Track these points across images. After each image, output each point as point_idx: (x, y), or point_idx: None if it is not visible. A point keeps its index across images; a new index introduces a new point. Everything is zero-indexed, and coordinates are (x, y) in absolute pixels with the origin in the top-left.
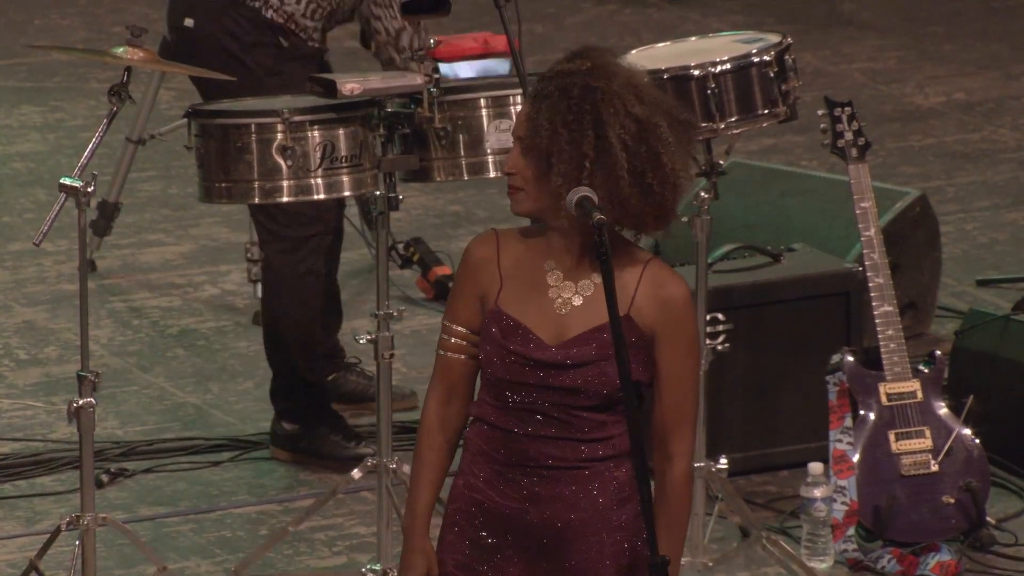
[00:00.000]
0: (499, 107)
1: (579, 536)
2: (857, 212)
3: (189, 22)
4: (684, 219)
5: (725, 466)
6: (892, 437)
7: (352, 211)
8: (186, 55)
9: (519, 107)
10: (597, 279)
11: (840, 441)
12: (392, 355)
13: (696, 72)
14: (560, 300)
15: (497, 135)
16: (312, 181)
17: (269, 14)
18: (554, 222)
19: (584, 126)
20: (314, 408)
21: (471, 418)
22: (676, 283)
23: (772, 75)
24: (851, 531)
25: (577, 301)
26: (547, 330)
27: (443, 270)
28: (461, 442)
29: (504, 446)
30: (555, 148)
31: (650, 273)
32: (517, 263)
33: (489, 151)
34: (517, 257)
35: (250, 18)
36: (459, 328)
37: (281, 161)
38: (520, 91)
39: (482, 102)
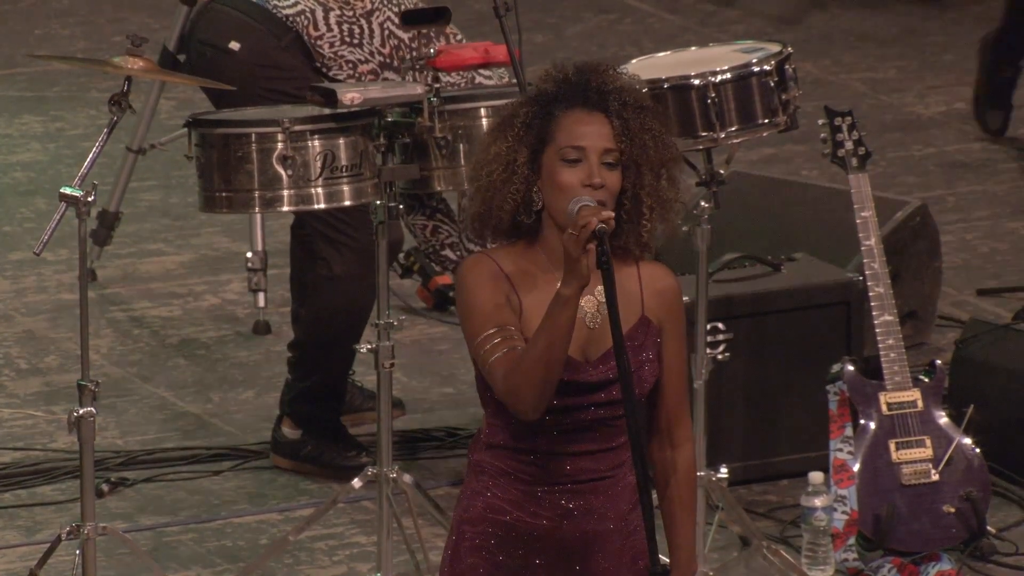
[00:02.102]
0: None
1: (605, 545)
2: (857, 222)
3: (235, 45)
4: (685, 229)
5: (725, 475)
6: (892, 446)
7: None
8: (216, 74)
9: None
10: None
11: (840, 450)
12: (392, 364)
13: (696, 81)
14: (589, 314)
15: None
16: (312, 191)
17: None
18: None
19: (670, 134)
20: (328, 416)
21: (486, 443)
22: (668, 274)
23: (772, 85)
24: (852, 540)
25: (603, 310)
26: (580, 348)
27: (444, 280)
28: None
29: (536, 467)
30: (669, 157)
31: (645, 271)
32: (525, 283)
33: None
34: (520, 275)
35: (307, 71)
36: (507, 326)
37: (281, 171)
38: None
39: (482, 111)
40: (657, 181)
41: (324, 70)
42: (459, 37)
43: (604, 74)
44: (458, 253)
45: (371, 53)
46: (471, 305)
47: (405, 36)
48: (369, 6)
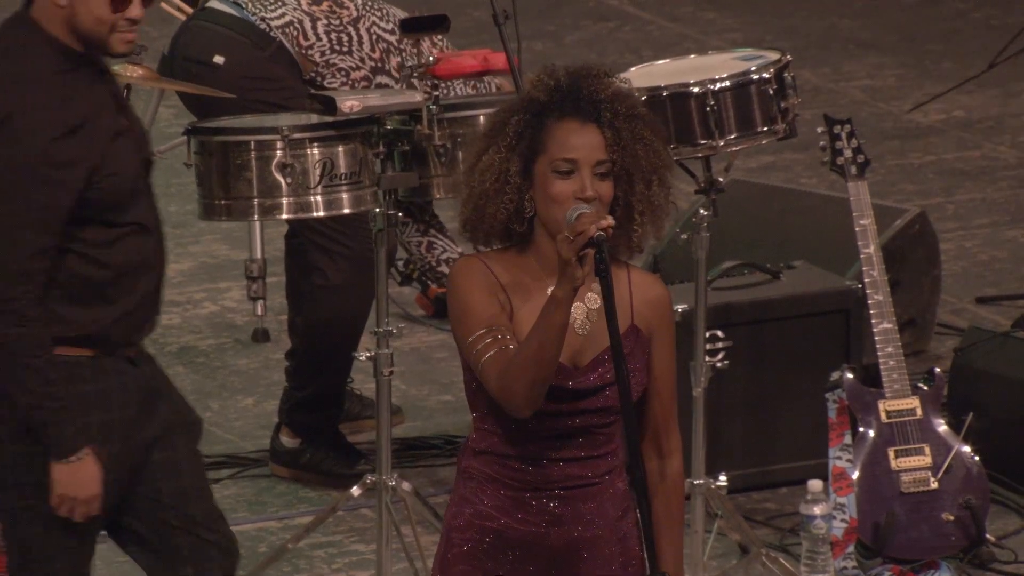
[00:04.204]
0: None
1: (594, 550)
2: (856, 229)
3: (219, 59)
4: (684, 236)
5: (724, 483)
6: (892, 454)
7: None
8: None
9: None
10: (597, 290)
11: (839, 458)
12: (391, 372)
13: (695, 89)
14: (579, 321)
15: None
16: (311, 198)
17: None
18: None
19: (663, 141)
20: (326, 425)
21: (473, 450)
22: (658, 283)
23: (771, 92)
24: (851, 548)
25: (594, 318)
26: (569, 354)
27: (443, 287)
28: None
29: (524, 472)
30: (660, 164)
31: (636, 279)
32: (516, 288)
33: None
34: (512, 281)
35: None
36: (500, 326)
37: (281, 178)
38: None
39: (481, 119)
40: (648, 188)
41: (318, 79)
42: (444, 42)
43: (596, 81)
44: None
45: (362, 60)
46: (463, 306)
47: (393, 39)
48: (355, 13)
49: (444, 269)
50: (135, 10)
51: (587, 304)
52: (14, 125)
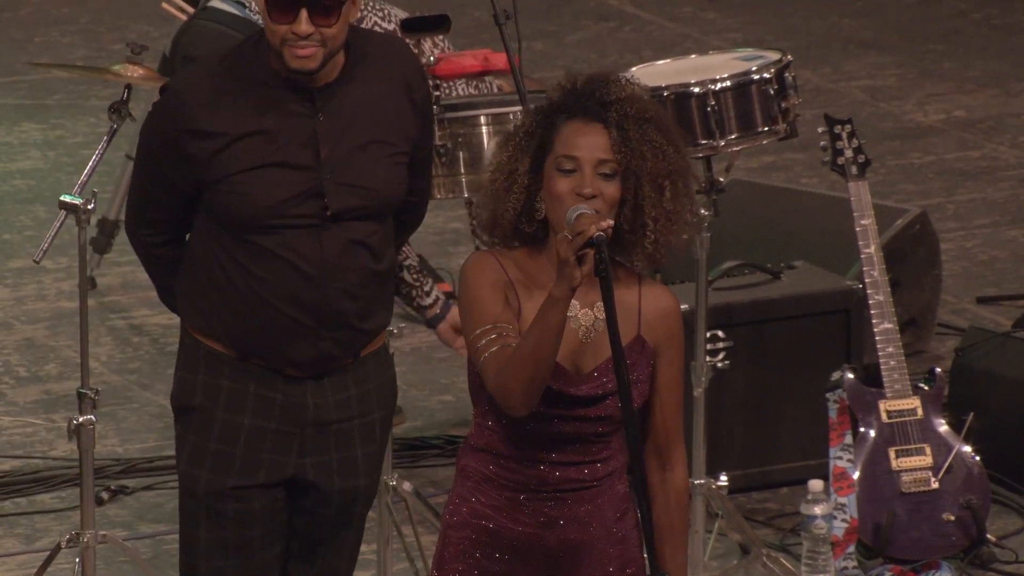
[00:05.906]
0: (499, 124)
1: (590, 552)
2: (857, 229)
3: None
4: (684, 236)
5: (725, 483)
6: (892, 454)
7: None
8: None
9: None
10: None
11: (840, 458)
12: None
13: (696, 89)
14: (583, 329)
15: None
16: None
17: None
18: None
19: (677, 146)
20: None
21: (472, 447)
22: (669, 295)
23: (772, 92)
24: (851, 548)
25: (600, 327)
26: (572, 360)
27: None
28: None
29: (520, 473)
30: (673, 169)
31: (646, 290)
32: (526, 286)
33: None
34: (523, 280)
35: None
36: (504, 323)
37: None
38: (520, 108)
39: (482, 119)
40: (660, 193)
41: None
42: (445, 42)
43: (610, 85)
44: (413, 275)
45: None
46: (471, 300)
47: None
48: (357, 14)
49: (405, 276)
50: (300, 25)
51: (595, 312)
52: (164, 101)
